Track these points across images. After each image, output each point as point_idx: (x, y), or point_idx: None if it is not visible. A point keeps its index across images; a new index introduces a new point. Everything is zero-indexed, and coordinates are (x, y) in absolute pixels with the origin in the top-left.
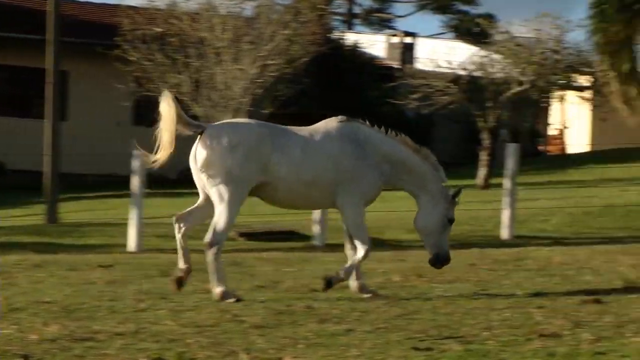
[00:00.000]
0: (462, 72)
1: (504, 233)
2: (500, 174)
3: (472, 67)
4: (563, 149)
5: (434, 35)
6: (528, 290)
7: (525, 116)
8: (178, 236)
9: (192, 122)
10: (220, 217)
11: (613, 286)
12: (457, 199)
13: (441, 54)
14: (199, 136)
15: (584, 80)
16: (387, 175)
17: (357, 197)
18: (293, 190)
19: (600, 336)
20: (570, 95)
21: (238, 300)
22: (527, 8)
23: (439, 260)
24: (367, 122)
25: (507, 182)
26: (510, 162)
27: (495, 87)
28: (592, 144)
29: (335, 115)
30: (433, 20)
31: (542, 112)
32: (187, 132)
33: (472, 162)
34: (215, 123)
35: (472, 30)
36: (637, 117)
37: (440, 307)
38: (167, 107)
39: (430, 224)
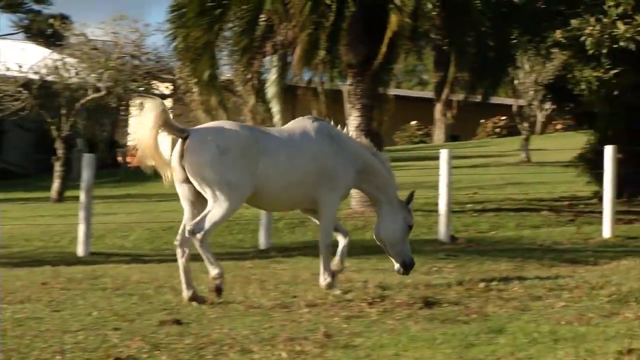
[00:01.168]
0: (34, 76)
1: (80, 249)
2: (76, 187)
3: (45, 71)
4: None
5: (3, 35)
6: (104, 311)
7: (103, 125)
8: (182, 261)
9: (177, 126)
10: (212, 217)
11: (193, 306)
12: (411, 204)
13: (11, 55)
14: (181, 141)
15: (165, 87)
16: (359, 173)
17: (337, 194)
18: (279, 193)
19: (180, 359)
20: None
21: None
22: (104, 10)
23: (407, 267)
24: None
25: (82, 195)
26: (86, 174)
27: (70, 93)
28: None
29: None
30: (2, 19)
31: (121, 121)
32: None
33: (47, 173)
34: (199, 127)
35: (45, 31)
36: None
37: (9, 329)
38: (152, 113)
39: (394, 234)
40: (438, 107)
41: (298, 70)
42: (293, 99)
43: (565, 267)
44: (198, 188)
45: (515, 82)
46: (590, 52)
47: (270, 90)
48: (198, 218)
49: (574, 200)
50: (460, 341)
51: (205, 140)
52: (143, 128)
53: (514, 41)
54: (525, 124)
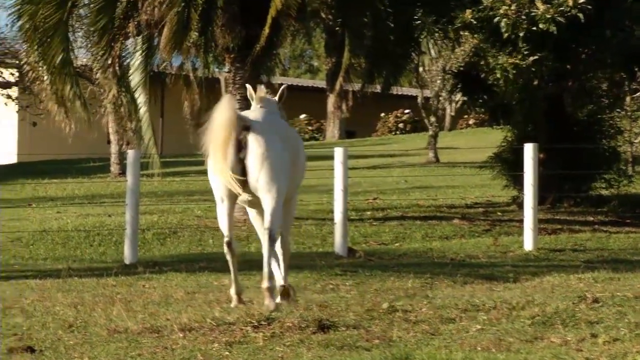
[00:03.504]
0: None
1: None
2: None
3: None
4: None
5: None
6: None
7: None
8: (233, 260)
9: (243, 118)
10: (277, 211)
11: (48, 330)
12: None
13: None
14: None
15: (9, 74)
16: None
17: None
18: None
19: None
20: None
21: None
22: None
23: None
24: None
25: None
26: None
27: None
28: (20, 154)
29: None
30: None
31: None
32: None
33: None
34: (255, 119)
35: None
36: (74, 122)
37: None
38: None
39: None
40: (331, 99)
41: (166, 55)
42: (162, 88)
43: (480, 285)
44: (253, 182)
45: (420, 70)
46: (506, 35)
47: (135, 77)
48: (268, 217)
49: (489, 207)
50: None
51: (271, 132)
52: (216, 132)
53: (418, 22)
54: (433, 119)
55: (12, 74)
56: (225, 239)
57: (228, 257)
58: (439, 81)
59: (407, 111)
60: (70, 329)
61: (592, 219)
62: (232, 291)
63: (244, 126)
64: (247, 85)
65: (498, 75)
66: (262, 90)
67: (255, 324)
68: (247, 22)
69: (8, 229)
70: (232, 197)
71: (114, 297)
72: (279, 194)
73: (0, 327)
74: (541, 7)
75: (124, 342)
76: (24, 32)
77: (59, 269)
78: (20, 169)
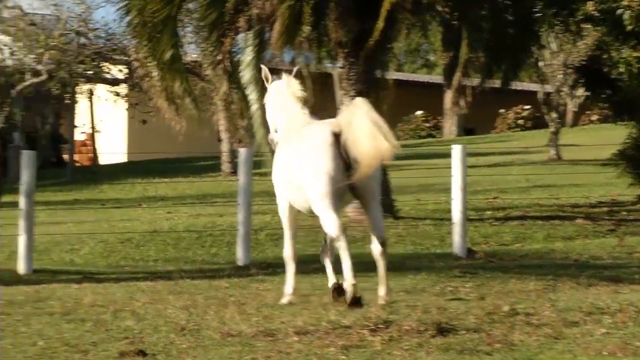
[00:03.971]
0: None
1: (21, 266)
2: (14, 190)
3: None
4: (94, 158)
5: None
6: (52, 340)
7: (45, 116)
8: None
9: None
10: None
11: (160, 333)
12: None
13: None
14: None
15: (118, 71)
16: None
17: None
18: None
19: None
20: (101, 89)
21: None
22: None
23: None
24: None
25: (22, 201)
26: (27, 175)
27: (5, 77)
28: (130, 153)
29: None
30: None
31: (66, 111)
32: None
33: None
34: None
35: None
36: (184, 120)
37: None
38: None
39: None
40: (448, 95)
41: (278, 50)
42: None
43: (605, 287)
44: (363, 189)
45: (541, 64)
46: (629, 27)
47: (246, 73)
48: (381, 225)
49: (614, 206)
50: None
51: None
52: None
53: (538, 15)
54: (554, 115)
55: (121, 71)
56: (340, 230)
57: (342, 243)
58: (560, 76)
59: (527, 107)
60: (182, 332)
61: None
62: (347, 283)
63: None
64: (263, 67)
65: (622, 69)
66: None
67: (373, 327)
68: (360, 16)
69: (118, 229)
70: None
71: (226, 299)
72: None
73: (111, 330)
74: None
75: (237, 345)
76: (132, 27)
77: (170, 271)
78: (130, 168)
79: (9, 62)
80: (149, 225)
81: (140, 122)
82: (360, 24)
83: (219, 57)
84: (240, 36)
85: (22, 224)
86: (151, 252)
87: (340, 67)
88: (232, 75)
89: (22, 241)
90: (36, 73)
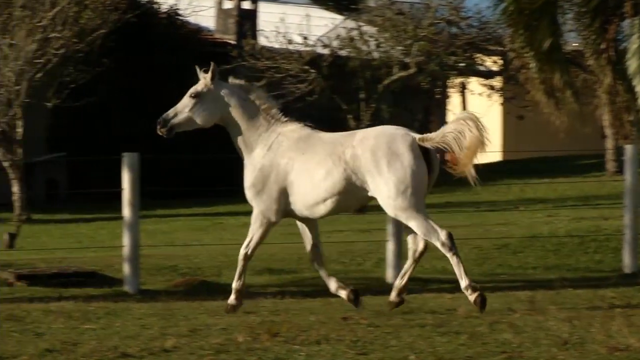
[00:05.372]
0: (324, 51)
1: (389, 274)
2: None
3: (337, 43)
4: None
5: None
6: (424, 354)
7: (414, 112)
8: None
9: None
10: None
11: (540, 347)
12: None
13: (294, 25)
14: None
15: (491, 62)
16: None
17: None
18: None
19: None
20: (474, 83)
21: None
22: None
23: None
24: None
25: None
26: None
27: (371, 71)
28: (506, 151)
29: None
30: None
31: (435, 107)
32: None
33: None
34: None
35: None
36: (564, 115)
37: None
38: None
39: None
40: None
41: None
42: None
43: None
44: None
45: None
46: None
47: (632, 63)
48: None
49: None
50: None
51: None
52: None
53: None
54: None
55: (495, 62)
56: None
57: None
58: None
59: None
60: (564, 346)
61: None
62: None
63: None
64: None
65: None
66: None
67: None
68: None
69: (494, 234)
70: None
71: (612, 310)
72: None
73: (488, 343)
74: None
75: None
76: (507, 14)
77: (551, 279)
78: (505, 167)
79: (375, 55)
80: (527, 230)
81: (517, 117)
82: None
83: (603, 46)
84: (626, 22)
85: (389, 229)
86: (530, 258)
87: None
88: (617, 65)
89: (390, 247)
90: (404, 66)
